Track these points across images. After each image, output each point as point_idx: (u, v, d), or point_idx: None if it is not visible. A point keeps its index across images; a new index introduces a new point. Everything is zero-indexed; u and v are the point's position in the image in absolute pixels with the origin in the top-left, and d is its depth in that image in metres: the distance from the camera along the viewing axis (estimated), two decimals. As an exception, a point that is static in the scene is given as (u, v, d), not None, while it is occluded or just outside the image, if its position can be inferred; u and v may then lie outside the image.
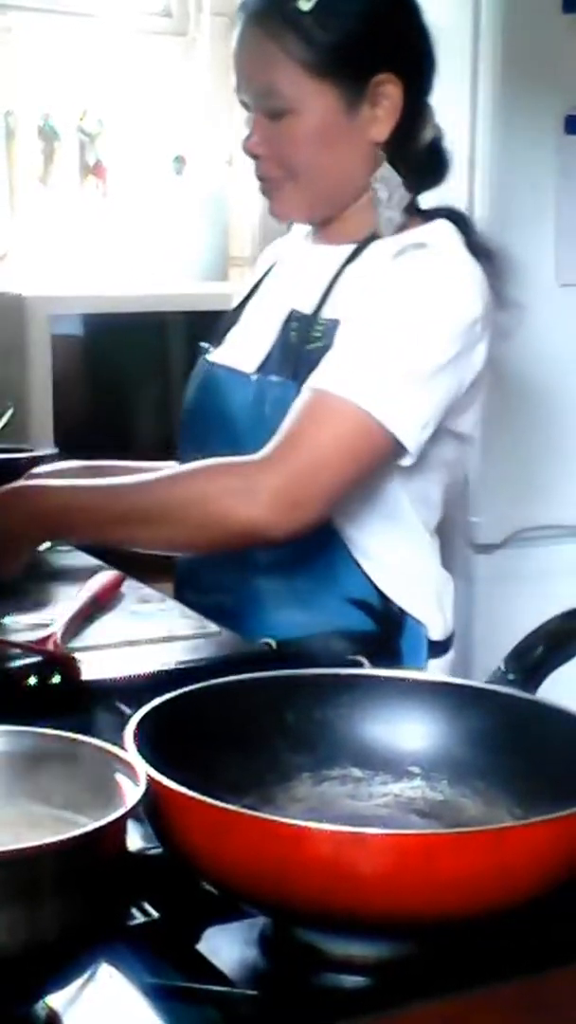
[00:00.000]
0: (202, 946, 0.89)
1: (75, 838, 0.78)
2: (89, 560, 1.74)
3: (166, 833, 0.88)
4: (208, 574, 1.67)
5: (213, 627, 1.56)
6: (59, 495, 1.58)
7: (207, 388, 1.74)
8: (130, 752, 0.88)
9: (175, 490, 1.53)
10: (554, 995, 0.88)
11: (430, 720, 1.05)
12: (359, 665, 1.31)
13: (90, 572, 1.65)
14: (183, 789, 0.85)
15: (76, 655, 1.37)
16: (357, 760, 1.05)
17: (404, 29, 1.63)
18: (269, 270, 1.81)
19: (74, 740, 0.91)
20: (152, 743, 0.90)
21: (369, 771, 1.04)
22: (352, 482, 1.54)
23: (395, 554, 1.64)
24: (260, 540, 1.51)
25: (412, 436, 1.52)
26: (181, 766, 0.88)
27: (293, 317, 1.68)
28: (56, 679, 1.27)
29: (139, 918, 0.91)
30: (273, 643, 1.53)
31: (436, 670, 1.65)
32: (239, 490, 1.49)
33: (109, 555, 1.72)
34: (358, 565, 1.62)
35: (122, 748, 0.89)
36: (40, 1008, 0.82)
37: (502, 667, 1.15)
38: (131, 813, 0.82)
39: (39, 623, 1.50)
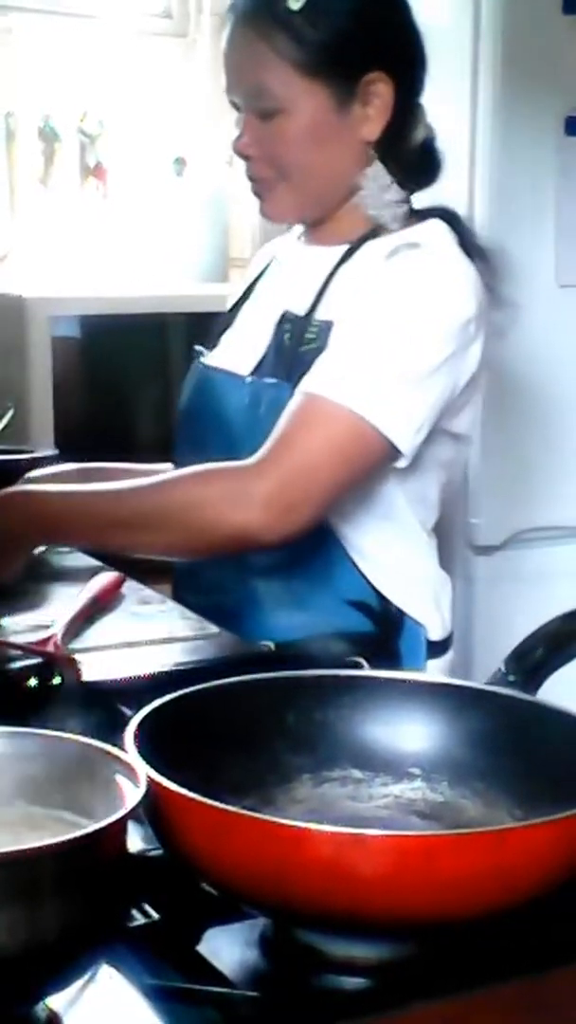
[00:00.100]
0: (202, 947, 0.89)
1: (75, 839, 0.78)
2: (89, 561, 1.74)
3: (166, 834, 0.88)
4: (206, 576, 1.67)
5: (213, 628, 1.56)
6: (56, 500, 1.59)
7: (202, 391, 1.74)
8: (130, 753, 0.88)
9: (171, 495, 1.53)
10: (554, 995, 0.88)
11: (430, 721, 1.05)
12: (358, 666, 1.31)
13: (90, 573, 1.65)
14: (183, 790, 0.85)
15: (76, 656, 1.37)
16: (357, 761, 1.05)
17: (394, 27, 1.63)
18: (264, 271, 1.81)
19: (74, 741, 0.91)
20: (152, 744, 0.90)
21: (369, 772, 1.04)
22: (345, 485, 1.54)
23: (392, 554, 1.64)
24: (254, 545, 1.51)
25: (406, 439, 1.52)
26: (181, 767, 0.88)
27: (287, 319, 1.68)
28: (56, 680, 1.27)
29: (139, 919, 0.91)
30: (272, 646, 1.53)
31: (435, 670, 1.65)
32: (233, 495, 1.49)
33: (109, 556, 1.72)
34: (355, 566, 1.62)
35: (122, 749, 0.89)
36: (40, 1009, 0.82)
37: (502, 668, 1.15)
38: (131, 814, 0.82)
39: (39, 624, 1.50)
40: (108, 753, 0.89)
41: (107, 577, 1.64)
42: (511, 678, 1.13)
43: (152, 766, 0.86)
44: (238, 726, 1.02)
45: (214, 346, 1.78)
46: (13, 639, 1.43)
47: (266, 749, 1.03)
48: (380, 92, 1.60)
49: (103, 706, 1.17)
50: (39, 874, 0.77)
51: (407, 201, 1.66)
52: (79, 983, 0.83)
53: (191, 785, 0.85)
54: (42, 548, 1.71)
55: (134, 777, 0.85)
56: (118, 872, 0.82)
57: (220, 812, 0.84)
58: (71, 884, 0.78)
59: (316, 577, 1.61)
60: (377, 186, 1.63)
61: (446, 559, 1.75)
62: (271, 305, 1.72)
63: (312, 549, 1.56)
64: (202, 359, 1.77)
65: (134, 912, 0.91)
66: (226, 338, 1.78)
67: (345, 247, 1.64)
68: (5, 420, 2.16)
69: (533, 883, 0.84)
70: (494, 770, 1.01)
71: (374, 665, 1.30)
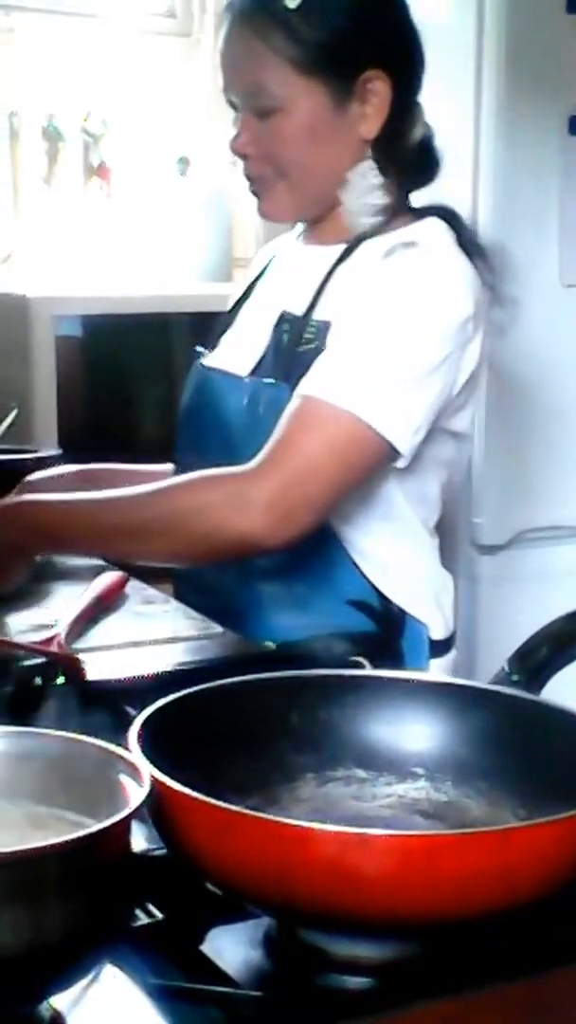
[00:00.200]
0: (206, 947, 0.89)
1: (79, 839, 0.78)
2: (93, 561, 1.74)
3: (170, 834, 0.88)
4: (208, 577, 1.67)
5: (217, 628, 1.56)
6: (58, 509, 1.58)
7: (202, 392, 1.74)
8: (134, 753, 0.88)
9: (172, 502, 1.53)
10: (556, 995, 0.88)
11: (434, 721, 1.05)
12: (360, 666, 1.31)
13: (94, 573, 1.65)
14: (187, 790, 0.85)
15: (80, 656, 1.37)
16: (361, 761, 1.05)
17: (392, 25, 1.63)
18: (264, 271, 1.81)
19: (78, 741, 0.91)
20: (156, 744, 0.90)
21: (373, 772, 1.04)
22: (345, 487, 1.54)
23: (393, 554, 1.64)
24: (256, 550, 1.51)
25: (404, 439, 1.52)
26: (185, 767, 0.88)
27: (285, 319, 1.68)
28: (60, 680, 1.27)
29: (143, 919, 0.91)
30: (273, 646, 1.53)
31: (438, 670, 1.65)
32: (234, 501, 1.48)
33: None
34: (356, 566, 1.61)
35: (126, 749, 0.89)
36: (44, 1009, 0.82)
37: (506, 668, 1.15)
38: (135, 814, 0.82)
39: (43, 624, 1.50)
40: (112, 753, 0.89)
41: (111, 577, 1.64)
42: (515, 677, 1.13)
43: (156, 765, 0.86)
44: (242, 726, 1.02)
45: (214, 346, 1.78)
46: (17, 639, 1.44)
47: (270, 749, 1.03)
48: (378, 90, 1.60)
49: (107, 706, 1.17)
50: (43, 874, 0.77)
51: (406, 199, 1.66)
52: (83, 983, 0.83)
53: (195, 785, 0.85)
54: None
55: (138, 777, 0.85)
56: (122, 872, 0.82)
57: (224, 812, 0.84)
58: (75, 884, 0.78)
59: (317, 578, 1.61)
60: (362, 185, 1.62)
61: (449, 558, 1.75)
62: (270, 305, 1.72)
63: (313, 550, 1.56)
64: (202, 360, 1.77)
65: (138, 912, 0.91)
66: (226, 339, 1.78)
67: (343, 246, 1.64)
68: (9, 420, 2.16)
69: (536, 883, 0.84)
70: (498, 770, 1.01)
71: (376, 665, 1.30)
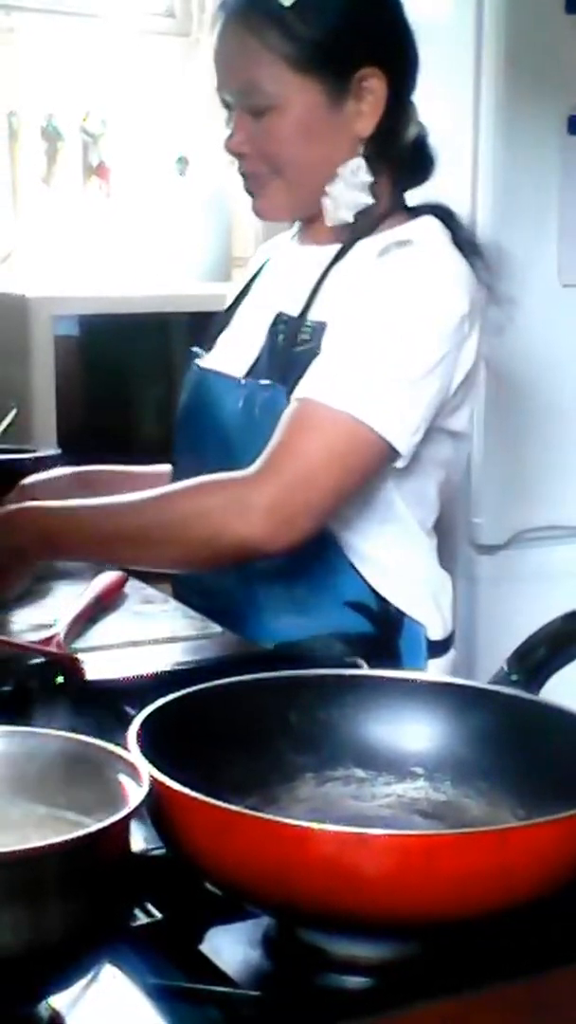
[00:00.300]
0: (205, 947, 0.89)
1: (78, 839, 0.78)
2: (92, 561, 1.74)
3: (169, 834, 0.88)
4: (205, 579, 1.66)
5: (216, 628, 1.56)
6: (58, 516, 1.58)
7: (199, 394, 1.73)
8: (133, 753, 0.88)
9: (172, 509, 1.53)
10: (556, 995, 0.88)
11: (433, 721, 1.05)
12: (357, 667, 1.31)
13: (93, 572, 1.65)
14: (186, 790, 0.85)
15: (79, 656, 1.37)
16: (360, 761, 1.05)
17: (387, 23, 1.63)
18: (260, 271, 1.81)
19: (77, 741, 0.91)
20: (155, 744, 0.90)
21: (372, 771, 1.04)
22: (346, 491, 1.54)
23: (391, 555, 1.63)
24: (257, 555, 1.51)
25: (403, 439, 1.52)
26: (184, 767, 0.88)
27: (280, 320, 1.67)
28: (59, 680, 1.27)
29: (142, 919, 0.91)
30: (271, 647, 1.53)
31: (437, 670, 1.65)
32: (234, 506, 1.48)
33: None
34: (354, 568, 1.61)
35: (125, 749, 0.89)
36: (43, 1009, 0.82)
37: (505, 668, 1.15)
38: (134, 814, 0.82)
39: (42, 623, 1.50)
40: (111, 752, 0.89)
41: (110, 577, 1.64)
42: (514, 677, 1.13)
43: (155, 765, 0.86)
44: (241, 725, 1.02)
45: (211, 347, 1.78)
46: (16, 638, 1.44)
47: (269, 748, 1.03)
48: (373, 88, 1.60)
49: (106, 705, 1.17)
50: (42, 873, 0.77)
51: (401, 198, 1.66)
52: (82, 982, 0.83)
53: (194, 784, 0.85)
54: None
55: (137, 776, 0.85)
56: (121, 871, 0.82)
57: (223, 811, 0.84)
58: (74, 883, 0.78)
59: (315, 580, 1.61)
60: (349, 181, 1.62)
61: (448, 558, 1.75)
62: (265, 306, 1.72)
63: (310, 552, 1.56)
64: (198, 361, 1.77)
65: (137, 911, 0.91)
66: (222, 339, 1.77)
67: (337, 246, 1.64)
68: (8, 420, 2.15)
69: (535, 883, 0.84)
70: (497, 769, 1.01)
71: (374, 665, 1.30)
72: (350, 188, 1.62)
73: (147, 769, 0.86)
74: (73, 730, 0.93)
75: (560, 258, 2.69)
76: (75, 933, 0.78)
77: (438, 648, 1.67)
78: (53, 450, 2.07)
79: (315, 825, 0.83)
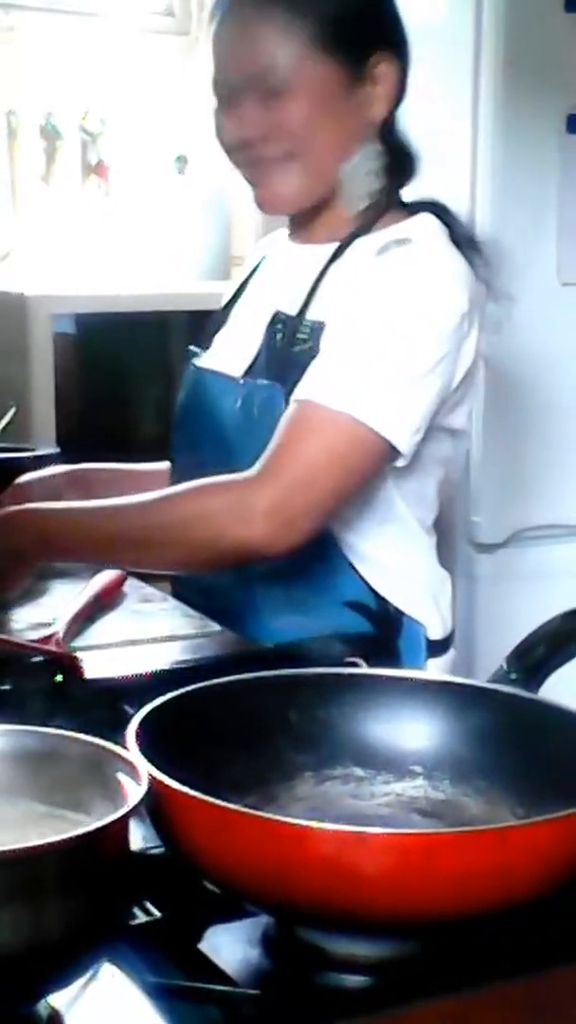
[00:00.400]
0: (204, 945, 0.89)
1: (77, 837, 0.78)
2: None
3: (168, 832, 0.88)
4: (205, 578, 1.66)
5: (215, 627, 1.56)
6: (58, 517, 1.57)
7: (196, 393, 1.73)
8: (132, 751, 0.88)
9: (172, 511, 1.52)
10: (555, 994, 0.88)
11: (432, 719, 1.05)
12: (356, 667, 1.31)
13: (92, 571, 1.65)
14: (185, 788, 0.85)
15: (78, 654, 1.37)
16: (359, 759, 1.05)
17: (394, 11, 1.63)
18: (257, 268, 1.80)
19: (76, 739, 0.91)
20: (154, 742, 0.90)
21: (371, 770, 1.04)
22: (346, 492, 1.53)
23: (390, 555, 1.63)
24: (258, 557, 1.51)
25: (405, 438, 1.51)
26: (183, 765, 0.88)
27: (278, 319, 1.67)
28: (58, 678, 1.27)
29: (141, 917, 0.91)
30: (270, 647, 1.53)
31: (436, 669, 1.65)
32: (234, 509, 1.48)
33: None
34: (353, 568, 1.61)
35: (124, 747, 0.89)
36: (42, 1007, 0.82)
37: (504, 666, 1.15)
38: (133, 812, 0.82)
39: (41, 622, 1.50)
40: (110, 751, 0.89)
41: (109, 575, 1.65)
42: (513, 676, 1.13)
43: (154, 764, 0.86)
44: (240, 724, 1.02)
45: (208, 346, 1.77)
46: (15, 637, 1.44)
47: (268, 747, 1.03)
48: (386, 73, 1.60)
49: (105, 704, 1.17)
50: (41, 872, 0.77)
51: (396, 194, 1.65)
52: (81, 981, 0.83)
53: (193, 783, 0.85)
54: None
55: (136, 775, 0.85)
56: (120, 870, 0.82)
57: (222, 810, 0.84)
58: (73, 882, 0.78)
59: (314, 579, 1.60)
60: (364, 167, 1.62)
61: (447, 557, 1.75)
62: (262, 305, 1.71)
63: (310, 552, 1.55)
64: (195, 361, 1.76)
65: (136, 910, 0.91)
66: (219, 339, 1.77)
67: (335, 245, 1.63)
68: (7, 418, 2.15)
69: (534, 881, 0.84)
70: (496, 768, 1.01)
71: (373, 665, 1.30)
72: (364, 174, 1.62)
73: (146, 768, 0.86)
74: (72, 729, 0.93)
75: (559, 257, 2.69)
76: (74, 932, 0.78)
77: (438, 647, 1.67)
78: (52, 449, 2.07)
79: (314, 824, 0.83)
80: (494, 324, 1.63)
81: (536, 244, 2.64)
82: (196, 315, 2.73)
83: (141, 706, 0.96)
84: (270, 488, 1.48)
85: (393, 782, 1.04)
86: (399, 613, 1.63)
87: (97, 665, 1.33)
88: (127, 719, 0.94)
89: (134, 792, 0.84)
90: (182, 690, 1.00)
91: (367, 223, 1.62)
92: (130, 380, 3.05)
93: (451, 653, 1.71)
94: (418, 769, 1.04)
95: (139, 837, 0.90)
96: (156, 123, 3.36)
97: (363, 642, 1.55)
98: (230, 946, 0.89)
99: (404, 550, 1.65)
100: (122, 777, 0.86)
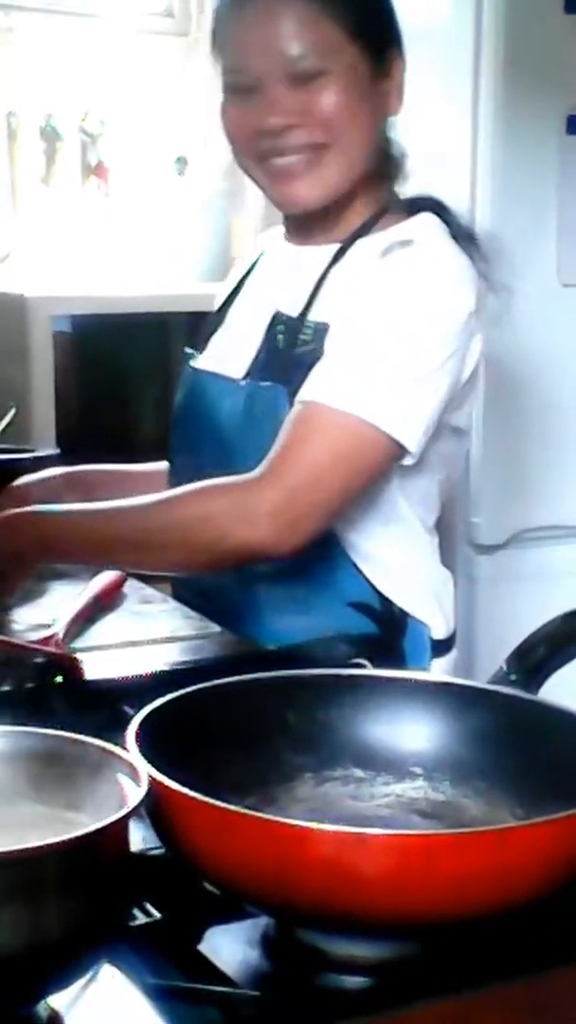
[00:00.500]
0: (204, 946, 0.89)
1: (77, 838, 0.78)
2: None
3: (168, 833, 0.88)
4: (206, 579, 1.66)
5: (215, 628, 1.56)
6: (60, 519, 1.57)
7: (195, 395, 1.72)
8: (132, 752, 0.88)
9: (174, 513, 1.52)
10: (555, 995, 0.88)
11: (432, 720, 1.05)
12: (361, 668, 1.31)
13: (92, 572, 1.65)
14: (185, 789, 0.85)
15: (78, 655, 1.37)
16: (359, 760, 1.05)
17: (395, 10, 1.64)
18: (253, 267, 1.79)
19: (76, 740, 0.91)
20: (154, 743, 0.90)
21: (371, 771, 1.04)
22: (351, 493, 1.53)
23: (394, 555, 1.63)
24: (261, 558, 1.51)
25: (413, 437, 1.51)
26: (183, 766, 0.88)
27: (279, 320, 1.66)
28: (58, 679, 1.27)
29: (141, 918, 0.91)
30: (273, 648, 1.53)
31: (439, 669, 1.65)
32: (237, 510, 1.48)
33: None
34: (357, 568, 1.61)
35: (124, 748, 0.89)
36: (42, 1008, 0.82)
37: (504, 667, 1.15)
38: (133, 813, 0.82)
39: (41, 623, 1.50)
40: (110, 752, 0.89)
41: (108, 576, 1.65)
42: (512, 677, 1.13)
43: (154, 765, 0.86)
44: (239, 725, 1.02)
45: (205, 347, 1.77)
46: (15, 638, 1.44)
47: (267, 748, 1.03)
48: (399, 69, 1.61)
49: (105, 705, 1.17)
50: (41, 873, 0.77)
51: (390, 194, 1.65)
52: (81, 982, 0.83)
53: (192, 784, 0.85)
54: None
55: (136, 776, 0.85)
56: (120, 871, 0.82)
57: (221, 811, 0.84)
58: (73, 883, 0.78)
59: (318, 581, 1.60)
60: (396, 156, 1.63)
61: (447, 558, 1.75)
62: (261, 306, 1.70)
63: (313, 552, 1.55)
64: (193, 363, 1.76)
65: (136, 911, 0.91)
66: (216, 340, 1.76)
67: (335, 246, 1.63)
68: (7, 420, 2.15)
69: (534, 882, 0.84)
70: (496, 769, 1.01)
71: (378, 666, 1.30)
72: (399, 160, 1.62)
73: (146, 769, 0.86)
74: (72, 730, 0.93)
75: (559, 257, 2.69)
76: (74, 933, 0.78)
77: (441, 648, 1.66)
78: (52, 450, 2.07)
79: (314, 825, 0.83)
80: (493, 318, 1.63)
81: (536, 244, 2.64)
82: (196, 316, 2.72)
83: (141, 707, 0.96)
84: (274, 489, 1.48)
85: (393, 783, 1.04)
86: (403, 614, 1.62)
87: (97, 666, 1.33)
88: (127, 720, 0.94)
89: (134, 793, 0.84)
90: (182, 691, 1.00)
91: (368, 224, 1.62)
92: (130, 381, 3.05)
93: (453, 653, 1.70)
94: (418, 770, 1.04)
95: (139, 838, 0.90)
96: (156, 124, 3.36)
97: (368, 643, 1.55)
98: (230, 947, 0.89)
99: (407, 550, 1.65)
100: (122, 778, 0.86)
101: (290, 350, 1.61)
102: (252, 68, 1.57)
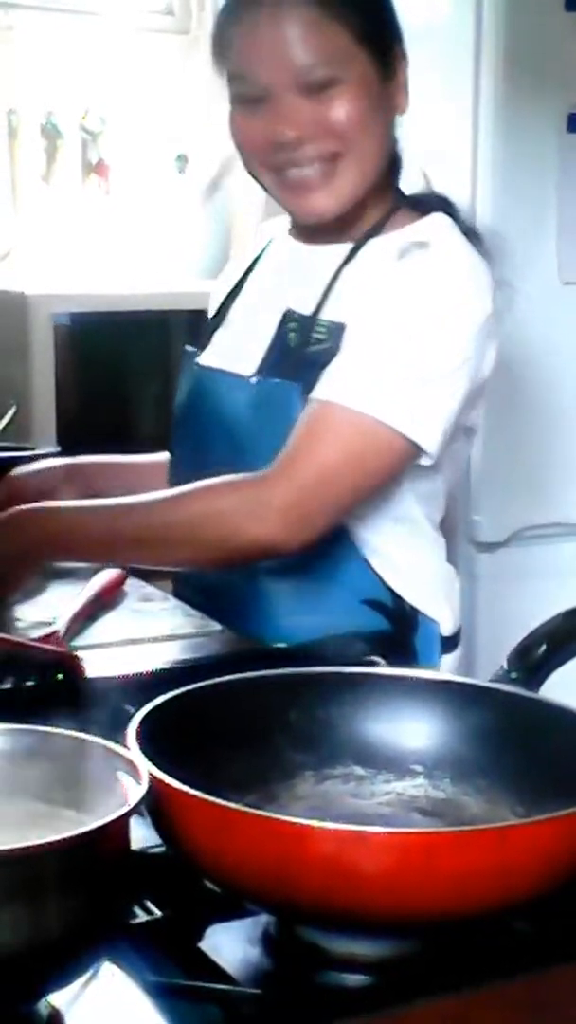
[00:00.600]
0: (204, 944, 0.89)
1: (78, 836, 0.78)
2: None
3: (169, 831, 0.88)
4: (209, 577, 1.65)
5: (215, 626, 1.56)
6: (67, 517, 1.57)
7: (200, 392, 1.71)
8: (132, 750, 0.88)
9: (184, 510, 1.52)
10: (555, 993, 0.88)
11: (433, 718, 1.05)
12: (375, 665, 1.31)
13: (92, 570, 1.65)
14: (185, 787, 0.85)
15: (79, 653, 1.37)
16: (360, 758, 1.05)
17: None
18: (256, 261, 1.78)
19: (77, 738, 0.91)
20: (154, 741, 0.90)
21: (372, 769, 1.04)
22: (363, 492, 1.53)
23: (404, 553, 1.63)
24: (271, 555, 1.51)
25: (432, 439, 1.51)
26: (183, 764, 0.88)
27: (291, 318, 1.65)
28: (59, 677, 1.27)
29: (142, 916, 0.91)
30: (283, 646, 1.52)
31: (446, 666, 1.65)
32: (247, 508, 1.48)
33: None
34: (368, 565, 1.60)
35: (125, 746, 0.89)
36: (43, 1006, 0.82)
37: (505, 666, 1.15)
38: (134, 811, 0.82)
39: (42, 621, 1.50)
40: (110, 750, 0.89)
41: (109, 574, 1.64)
42: (513, 675, 1.13)
43: (154, 763, 0.86)
44: (240, 723, 1.02)
45: (206, 344, 1.76)
46: (16, 636, 1.44)
47: (268, 746, 1.03)
48: (403, 66, 1.60)
49: (105, 703, 1.17)
50: (42, 871, 0.77)
51: (397, 192, 1.65)
52: (81, 980, 0.83)
53: (193, 782, 0.85)
54: None
55: (136, 774, 0.85)
56: (120, 869, 0.82)
57: (222, 809, 0.84)
58: (74, 881, 0.78)
59: (329, 577, 1.60)
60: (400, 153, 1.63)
61: (449, 556, 1.75)
62: (270, 304, 1.69)
63: (324, 549, 1.55)
64: (197, 360, 1.74)
65: (136, 909, 0.91)
66: (220, 337, 1.75)
67: (348, 245, 1.62)
68: (7, 417, 2.15)
69: (535, 880, 0.84)
70: (496, 767, 1.01)
71: (391, 663, 1.30)
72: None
73: (146, 767, 0.86)
74: (72, 728, 0.93)
75: (560, 256, 2.69)
76: (75, 931, 0.78)
77: (449, 644, 1.66)
78: (52, 448, 2.07)
79: (314, 823, 0.83)
80: (496, 313, 1.62)
81: (536, 243, 2.64)
82: (196, 314, 2.72)
83: (141, 705, 0.96)
84: (285, 486, 1.48)
85: (393, 781, 1.04)
86: (414, 610, 1.62)
87: (97, 664, 1.33)
88: (127, 718, 0.94)
89: (134, 791, 0.84)
90: (182, 689, 1.00)
91: (379, 223, 1.62)
92: (130, 379, 3.05)
93: (459, 650, 1.70)
94: (418, 768, 1.04)
95: (139, 836, 0.90)
96: (156, 122, 3.36)
97: (380, 640, 1.55)
98: (230, 945, 0.89)
99: (416, 547, 1.65)
100: (122, 776, 0.86)
101: (303, 348, 1.60)
102: (260, 77, 1.54)
